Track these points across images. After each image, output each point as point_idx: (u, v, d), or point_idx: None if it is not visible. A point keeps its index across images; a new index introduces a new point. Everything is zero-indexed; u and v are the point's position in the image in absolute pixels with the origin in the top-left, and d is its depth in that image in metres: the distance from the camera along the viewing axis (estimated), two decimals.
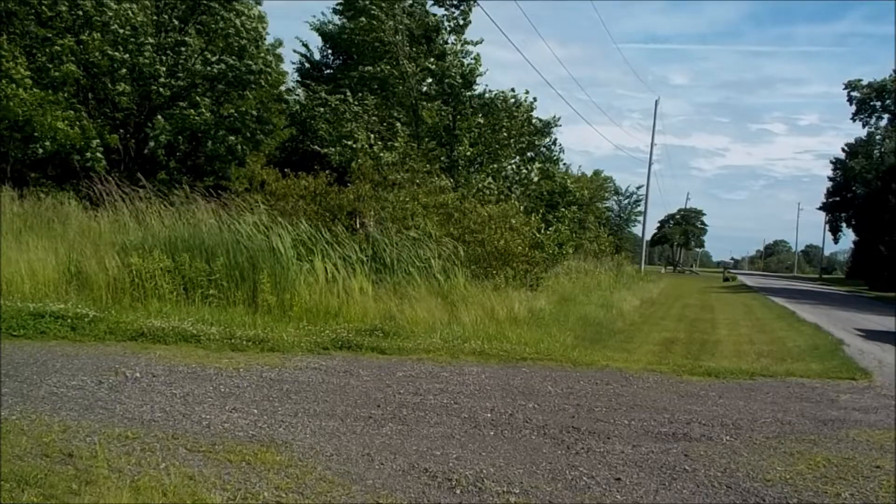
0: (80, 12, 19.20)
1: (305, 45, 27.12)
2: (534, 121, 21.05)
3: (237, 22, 21.11)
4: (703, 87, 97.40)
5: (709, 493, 4.28)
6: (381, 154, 16.91)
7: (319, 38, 26.73)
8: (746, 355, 10.02)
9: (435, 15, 21.04)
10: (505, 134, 19.90)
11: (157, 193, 11.62)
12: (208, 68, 20.87)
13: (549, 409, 6.03)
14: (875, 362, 9.61)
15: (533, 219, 15.84)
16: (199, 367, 6.54)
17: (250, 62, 21.36)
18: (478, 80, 20.28)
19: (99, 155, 19.01)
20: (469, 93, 19.84)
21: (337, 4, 23.59)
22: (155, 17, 20.93)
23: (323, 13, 26.66)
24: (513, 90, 20.21)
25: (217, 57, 21.04)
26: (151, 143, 20.39)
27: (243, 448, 4.30)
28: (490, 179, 18.86)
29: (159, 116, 20.41)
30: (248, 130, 22.04)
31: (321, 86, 22.53)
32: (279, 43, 25.15)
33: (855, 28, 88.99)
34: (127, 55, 19.65)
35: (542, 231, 17.46)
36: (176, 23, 21.24)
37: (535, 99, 21.24)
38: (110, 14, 19.39)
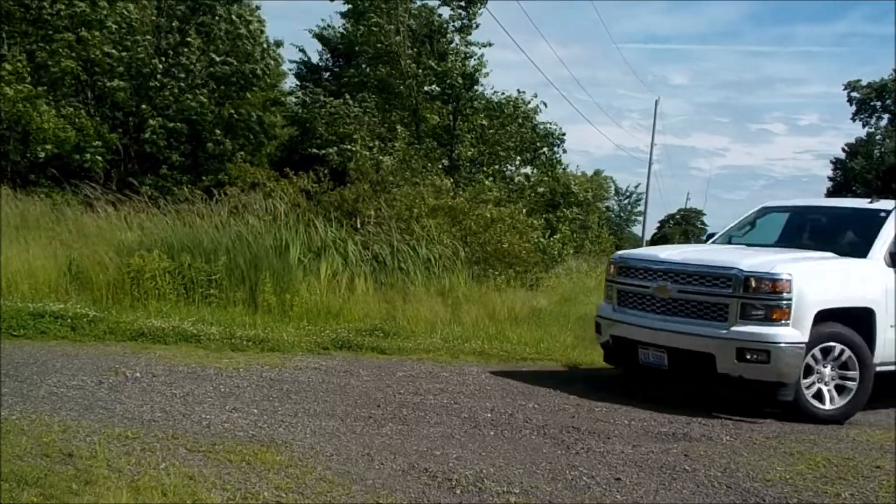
0: (77, 10, 19.16)
1: (303, 51, 27.10)
2: (538, 127, 21.02)
3: (235, 18, 21.08)
4: (703, 87, 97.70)
5: (709, 493, 4.28)
6: (381, 157, 16.89)
7: (319, 44, 26.68)
8: None
9: (440, 15, 21.02)
10: (508, 137, 19.90)
11: (157, 192, 11.63)
12: (209, 68, 20.86)
13: (549, 409, 6.03)
14: None
15: (535, 222, 15.83)
16: (199, 367, 6.53)
17: (248, 63, 21.32)
18: (482, 80, 20.32)
19: (98, 158, 18.97)
20: (470, 93, 19.83)
21: (344, 4, 23.55)
22: (155, 19, 20.90)
23: (323, 19, 26.53)
24: (522, 92, 20.19)
25: (217, 57, 21.01)
26: (146, 134, 20.29)
27: (243, 448, 4.30)
28: (492, 180, 18.86)
29: (148, 106, 20.28)
30: (250, 133, 21.99)
31: (319, 88, 22.51)
32: (279, 44, 25.05)
33: (855, 28, 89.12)
34: (124, 53, 19.62)
35: (546, 236, 17.45)
36: (176, 23, 21.21)
37: (545, 105, 21.20)
38: (104, 12, 19.37)
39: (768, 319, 6.08)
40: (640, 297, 6.93)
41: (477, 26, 20.85)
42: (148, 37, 20.17)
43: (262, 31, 22.55)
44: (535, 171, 21.65)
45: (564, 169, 25.17)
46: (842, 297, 6.45)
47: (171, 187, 14.47)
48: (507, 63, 74.22)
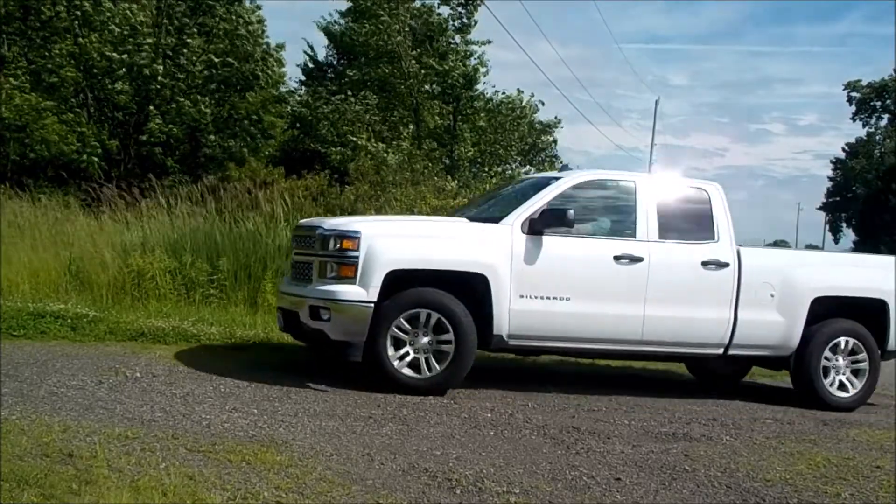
0: (79, 13, 19.14)
1: (311, 46, 27.11)
2: (536, 124, 21.08)
3: (233, 16, 21.12)
4: (703, 87, 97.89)
5: (709, 493, 4.28)
6: (385, 154, 16.89)
7: (325, 38, 26.68)
8: None
9: (440, 14, 21.04)
10: (507, 136, 19.93)
11: (159, 190, 11.63)
12: (209, 69, 20.87)
13: (549, 409, 6.03)
14: None
15: None
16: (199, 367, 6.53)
17: (247, 63, 21.34)
18: (481, 80, 20.34)
19: (95, 159, 18.96)
20: (470, 93, 19.85)
21: (346, 10, 23.58)
22: (157, 19, 20.90)
23: (330, 13, 26.58)
24: (520, 91, 20.24)
25: (216, 58, 21.01)
26: (145, 136, 20.28)
27: (243, 448, 4.30)
28: (493, 181, 18.88)
29: (151, 107, 20.28)
30: (247, 134, 22.00)
31: (323, 87, 22.51)
32: (281, 46, 25.03)
33: (855, 28, 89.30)
34: (125, 55, 19.60)
35: None
36: (177, 22, 21.20)
37: (542, 103, 21.26)
38: (108, 14, 19.36)
39: (338, 277, 5.93)
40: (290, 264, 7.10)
41: (475, 23, 20.90)
42: (150, 39, 20.16)
43: (262, 32, 22.58)
44: (533, 170, 21.69)
45: (564, 166, 25.20)
46: (427, 259, 6.03)
47: (173, 189, 14.47)
48: (507, 63, 74.26)
